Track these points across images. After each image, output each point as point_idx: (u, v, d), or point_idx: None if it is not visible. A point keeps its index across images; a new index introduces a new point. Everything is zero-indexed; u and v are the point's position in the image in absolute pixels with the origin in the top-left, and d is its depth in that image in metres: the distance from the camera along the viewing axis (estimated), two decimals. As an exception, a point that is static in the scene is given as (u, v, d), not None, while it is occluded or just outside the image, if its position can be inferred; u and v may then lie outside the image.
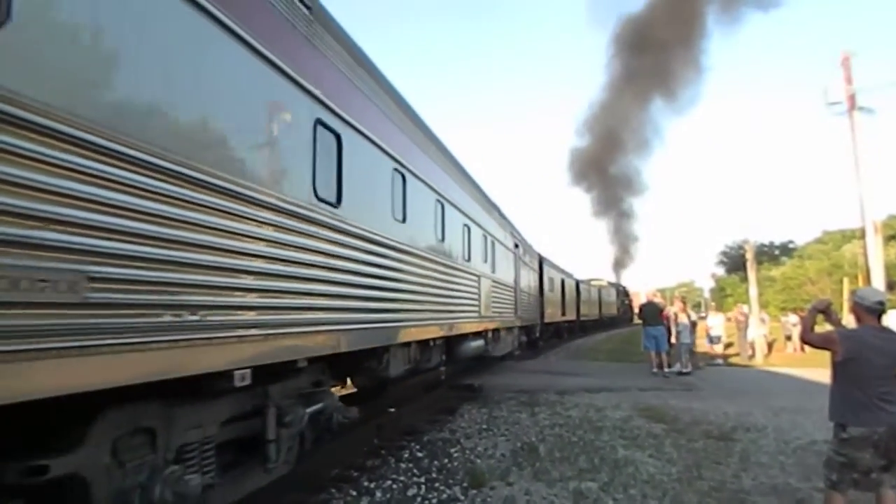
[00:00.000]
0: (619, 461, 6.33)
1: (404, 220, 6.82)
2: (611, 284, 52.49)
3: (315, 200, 4.64)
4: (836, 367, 4.19)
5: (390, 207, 6.45)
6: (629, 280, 78.27)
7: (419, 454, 6.74)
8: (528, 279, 17.98)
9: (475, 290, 10.58)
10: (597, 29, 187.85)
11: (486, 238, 11.87)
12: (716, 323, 20.14)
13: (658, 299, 17.75)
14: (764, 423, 8.51)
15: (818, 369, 16.17)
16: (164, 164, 2.94)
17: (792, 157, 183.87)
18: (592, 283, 41.81)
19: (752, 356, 19.78)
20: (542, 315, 20.65)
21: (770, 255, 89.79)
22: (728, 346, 23.67)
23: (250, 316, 3.69)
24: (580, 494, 5.27)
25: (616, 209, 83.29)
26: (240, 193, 3.58)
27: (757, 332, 20.35)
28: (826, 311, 4.47)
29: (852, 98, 16.33)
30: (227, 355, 3.47)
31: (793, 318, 24.67)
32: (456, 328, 9.26)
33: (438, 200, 8.52)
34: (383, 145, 6.18)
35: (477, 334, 11.10)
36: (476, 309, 10.62)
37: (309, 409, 5.02)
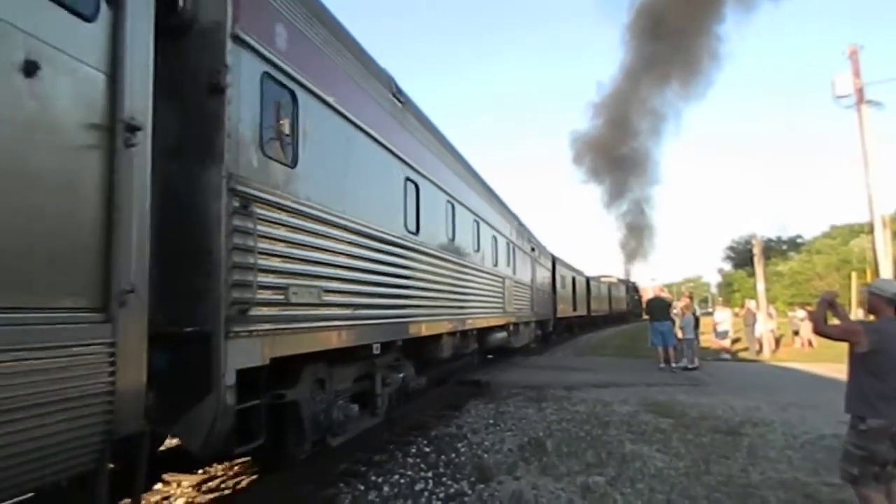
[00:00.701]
0: (627, 456, 6.33)
1: (453, 239, 9.42)
2: (620, 281, 53.47)
3: (405, 232, 7.19)
4: (856, 359, 4.13)
5: (445, 230, 9.05)
6: (639, 276, 76.62)
7: (426, 449, 6.76)
8: (543, 278, 19.74)
9: (500, 291, 12.71)
10: (608, 20, 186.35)
11: (508, 245, 13.99)
12: (722, 318, 20.10)
13: (665, 294, 17.74)
14: (772, 417, 8.49)
15: (826, 364, 16.14)
16: (352, 225, 5.66)
17: (800, 151, 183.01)
18: (602, 279, 42.89)
19: (760, 351, 19.72)
20: (554, 311, 22.08)
21: (778, 249, 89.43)
22: (735, 340, 23.64)
23: (378, 311, 6.30)
24: (587, 489, 5.27)
25: (629, 198, 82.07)
26: (371, 232, 6.09)
27: (765, 327, 20.30)
28: (832, 304, 4.43)
29: (860, 92, 16.24)
30: (372, 335, 6.22)
31: (800, 313, 24.59)
32: (486, 322, 11.53)
33: (475, 220, 10.92)
34: (444, 188, 8.95)
35: (501, 327, 13.08)
36: (501, 306, 12.74)
37: (399, 375, 7.61)
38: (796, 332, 23.74)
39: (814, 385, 12.25)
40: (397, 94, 7.15)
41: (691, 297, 19.04)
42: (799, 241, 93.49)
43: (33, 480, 2.56)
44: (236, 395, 3.85)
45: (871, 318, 4.35)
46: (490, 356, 14.92)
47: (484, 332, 11.85)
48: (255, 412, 4.24)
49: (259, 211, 4.09)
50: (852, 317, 4.63)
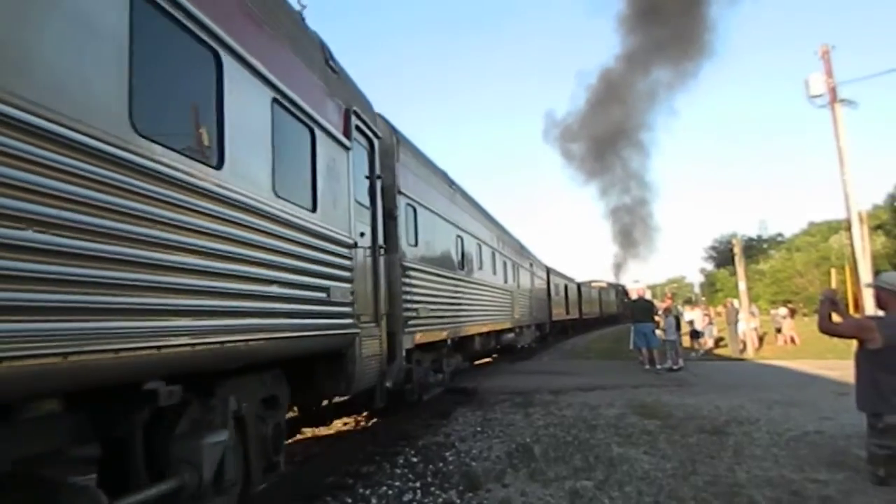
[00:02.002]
0: (614, 459, 6.33)
1: (481, 268, 13.19)
2: (610, 285, 56.85)
3: (458, 270, 11.09)
4: (868, 356, 4.04)
5: (475, 264, 12.66)
6: (632, 278, 75.34)
7: (414, 459, 6.72)
8: (539, 288, 23.31)
9: (509, 302, 16.35)
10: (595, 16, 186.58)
11: (514, 266, 17.75)
12: (693, 318, 20.39)
13: (648, 296, 17.85)
14: (756, 415, 8.55)
15: (809, 360, 16.34)
16: (442, 272, 10.07)
17: (777, 150, 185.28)
18: (593, 284, 47.08)
19: (744, 350, 19.89)
20: (550, 315, 25.39)
21: (759, 248, 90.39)
22: (719, 340, 23.84)
23: (451, 320, 10.25)
24: (576, 494, 5.26)
25: (624, 182, 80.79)
26: (450, 276, 10.51)
27: (747, 326, 20.49)
28: (834, 301, 4.40)
29: (833, 91, 16.50)
30: (448, 333, 10.08)
31: (782, 311, 24.87)
32: (501, 326, 15.05)
33: (492, 252, 14.71)
34: (475, 235, 12.76)
35: (510, 330, 16.50)
36: (510, 314, 16.26)
37: (454, 359, 11.32)
38: (779, 330, 23.99)
39: (797, 382, 12.37)
40: (452, 184, 11.74)
41: (673, 298, 19.21)
42: (779, 239, 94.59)
43: (368, 383, 6.16)
44: (404, 361, 7.71)
45: (881, 313, 4.29)
46: (476, 362, 16.14)
47: (499, 333, 15.22)
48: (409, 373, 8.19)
49: (410, 272, 8.20)
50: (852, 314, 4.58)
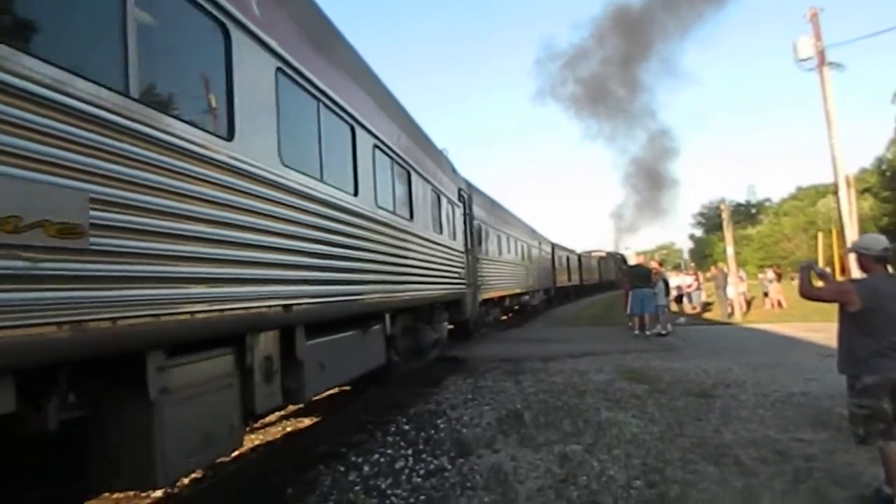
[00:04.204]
0: (603, 423, 6.42)
1: (509, 252, 19.67)
2: (609, 254, 60.98)
3: (506, 254, 19.44)
4: (848, 319, 4.08)
5: (508, 249, 19.53)
6: (624, 247, 74.56)
7: (405, 427, 6.78)
8: (546, 259, 28.91)
9: (524, 273, 22.30)
10: None
11: (528, 246, 23.69)
12: (678, 283, 20.62)
13: (644, 262, 17.95)
14: (743, 378, 8.69)
15: (795, 323, 16.56)
16: (505, 257, 19.17)
17: (765, 114, 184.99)
18: (593, 254, 53.38)
19: (732, 314, 20.12)
20: (554, 282, 31.12)
21: (747, 213, 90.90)
22: (708, 304, 24.08)
23: (502, 284, 18.10)
24: (565, 457, 5.34)
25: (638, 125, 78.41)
26: (510, 258, 20.03)
27: (736, 290, 20.69)
28: (822, 273, 4.43)
29: (822, 54, 16.42)
30: (500, 293, 17.77)
31: (769, 275, 25.09)
32: (519, 290, 21.18)
33: (517, 240, 21.31)
34: (498, 227, 18.09)
35: (525, 293, 22.36)
36: (525, 282, 22.24)
37: (495, 311, 17.81)
38: (766, 294, 24.25)
39: (783, 345, 12.55)
40: (494, 203, 18.42)
41: (661, 264, 19.43)
42: (767, 204, 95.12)
43: (469, 315, 12.81)
44: (479, 308, 14.37)
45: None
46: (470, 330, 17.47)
47: (519, 296, 21.31)
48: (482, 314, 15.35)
49: (481, 261, 14.71)
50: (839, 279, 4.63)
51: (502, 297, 18.17)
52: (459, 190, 12.29)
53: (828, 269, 4.71)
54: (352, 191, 5.96)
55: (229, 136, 3.78)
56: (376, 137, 6.82)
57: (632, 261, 19.06)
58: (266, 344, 4.28)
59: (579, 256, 43.94)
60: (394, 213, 7.35)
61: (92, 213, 2.58)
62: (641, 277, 15.58)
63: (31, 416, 2.61)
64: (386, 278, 6.76)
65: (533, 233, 25.92)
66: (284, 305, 4.38)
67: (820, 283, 4.56)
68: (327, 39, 5.79)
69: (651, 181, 73.41)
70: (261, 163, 4.10)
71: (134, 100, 2.95)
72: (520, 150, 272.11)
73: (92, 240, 2.58)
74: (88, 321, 2.57)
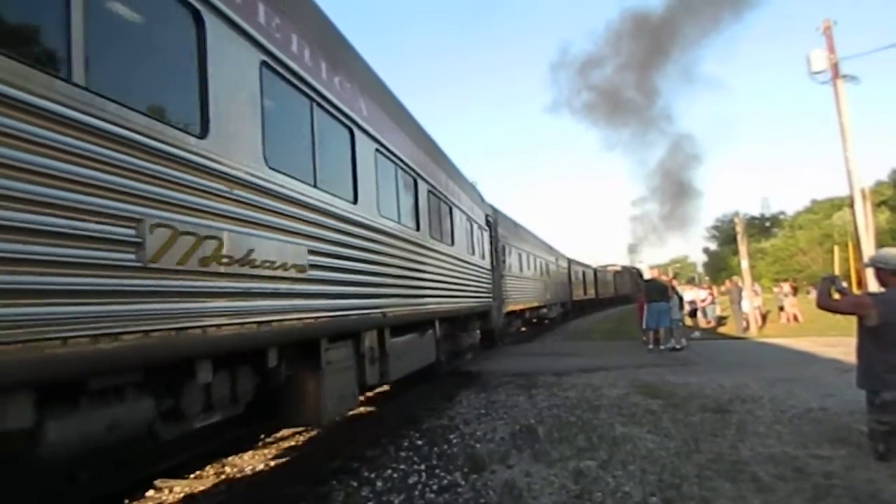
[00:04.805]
0: (618, 438, 6.37)
1: (530, 269, 21.42)
2: (625, 268, 62.71)
3: (528, 271, 21.21)
4: (866, 333, 4.05)
5: (531, 267, 21.61)
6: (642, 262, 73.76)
7: (419, 442, 6.76)
8: (563, 275, 30.81)
9: (543, 288, 23.78)
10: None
11: (545, 263, 25.06)
12: (692, 297, 20.47)
13: (661, 277, 17.84)
14: (759, 393, 8.58)
15: (812, 338, 16.35)
16: (526, 273, 21.03)
17: (779, 127, 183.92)
18: (608, 268, 55.57)
19: (747, 328, 19.92)
20: (571, 295, 32.47)
21: (761, 226, 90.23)
22: (723, 319, 23.86)
23: (522, 298, 19.42)
24: (580, 473, 5.30)
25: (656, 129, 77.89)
26: (528, 275, 21.11)
27: (751, 305, 20.50)
28: (841, 289, 4.40)
29: (835, 67, 16.35)
30: (519, 305, 18.70)
31: (785, 288, 24.84)
32: (538, 304, 22.38)
33: (535, 258, 22.65)
34: (518, 246, 19.50)
35: (543, 306, 23.63)
36: (543, 295, 23.63)
37: (517, 322, 19.53)
38: (781, 308, 23.99)
39: (800, 360, 12.39)
40: (517, 225, 20.49)
41: (676, 277, 19.38)
42: (782, 217, 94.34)
43: (495, 325, 14.18)
44: (504, 319, 15.69)
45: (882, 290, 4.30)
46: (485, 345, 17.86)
47: (537, 308, 22.51)
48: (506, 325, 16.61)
49: (505, 277, 16.04)
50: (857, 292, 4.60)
51: (523, 310, 19.43)
52: (486, 216, 14.07)
53: (844, 284, 4.66)
54: (414, 226, 8.02)
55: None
56: (431, 185, 9.01)
57: (647, 275, 18.96)
58: (371, 339, 6.24)
59: (595, 271, 45.72)
60: (441, 240, 9.31)
61: None
62: (659, 291, 15.46)
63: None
64: (436, 293, 8.75)
65: (550, 249, 27.47)
66: (383, 313, 6.37)
67: (837, 296, 4.52)
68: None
69: (675, 189, 72.93)
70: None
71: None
72: (538, 163, 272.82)
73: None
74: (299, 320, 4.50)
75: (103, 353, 2.66)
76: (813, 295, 4.49)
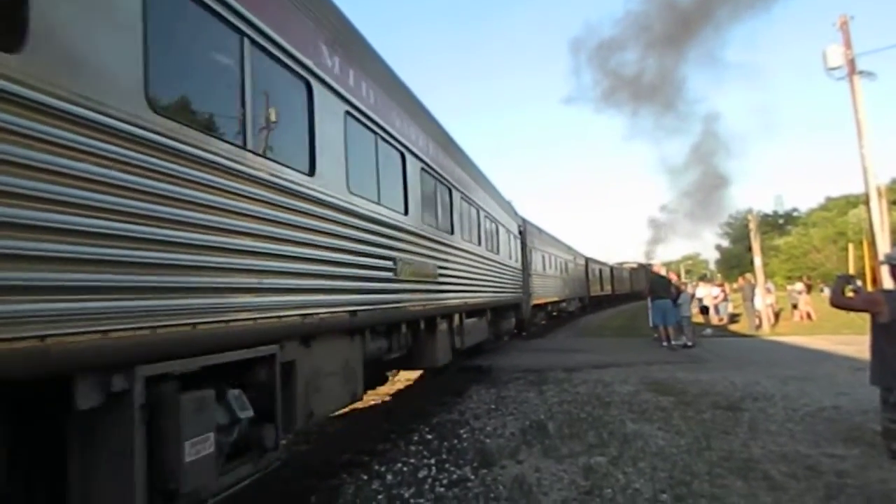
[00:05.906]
0: (628, 435, 6.35)
1: (551, 267, 23.43)
2: (641, 265, 63.08)
3: (552, 270, 23.81)
4: (879, 330, 4.02)
5: (554, 266, 23.97)
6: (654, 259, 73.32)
7: (429, 436, 6.78)
8: (580, 272, 32.56)
9: (562, 284, 25.67)
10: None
11: (565, 262, 26.92)
12: (703, 294, 20.34)
13: (664, 272, 17.73)
14: (772, 391, 8.52)
15: (825, 336, 16.21)
16: (549, 272, 23.11)
17: (794, 123, 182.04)
18: (625, 265, 58.51)
19: (760, 326, 19.77)
20: (588, 291, 34.34)
21: (774, 224, 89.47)
22: (735, 316, 23.68)
23: (549, 291, 22.48)
24: (590, 469, 5.29)
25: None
26: (551, 273, 23.40)
27: (764, 302, 20.33)
28: (856, 289, 4.38)
29: (852, 63, 16.15)
30: (546, 299, 21.83)
31: (798, 286, 24.63)
32: (558, 298, 24.38)
33: (557, 258, 24.61)
34: (542, 249, 21.72)
35: (563, 301, 25.70)
36: (563, 291, 25.67)
37: (541, 314, 21.35)
38: (795, 306, 23.79)
39: (813, 358, 12.28)
40: (541, 231, 22.49)
41: (679, 275, 19.44)
42: (795, 214, 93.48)
43: (525, 315, 16.92)
44: (531, 311, 17.91)
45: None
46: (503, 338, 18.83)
47: (557, 303, 24.48)
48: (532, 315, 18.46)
49: (532, 275, 18.32)
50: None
51: (545, 304, 21.89)
52: (518, 225, 17.00)
53: (859, 283, 4.63)
54: (476, 242, 10.56)
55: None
56: (485, 212, 11.67)
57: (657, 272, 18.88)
58: (456, 319, 9.13)
59: (611, 268, 48.20)
60: (490, 250, 11.89)
61: None
62: (661, 287, 15.39)
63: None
64: (488, 288, 11.22)
65: (569, 249, 29.74)
66: (465, 301, 9.25)
67: (850, 294, 4.49)
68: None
69: (706, 180, 71.94)
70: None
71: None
72: (559, 161, 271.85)
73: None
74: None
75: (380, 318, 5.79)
76: (826, 293, 4.45)
